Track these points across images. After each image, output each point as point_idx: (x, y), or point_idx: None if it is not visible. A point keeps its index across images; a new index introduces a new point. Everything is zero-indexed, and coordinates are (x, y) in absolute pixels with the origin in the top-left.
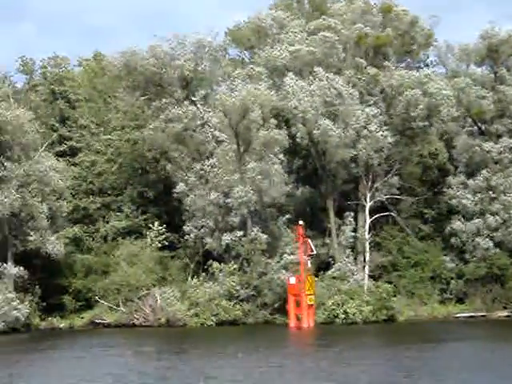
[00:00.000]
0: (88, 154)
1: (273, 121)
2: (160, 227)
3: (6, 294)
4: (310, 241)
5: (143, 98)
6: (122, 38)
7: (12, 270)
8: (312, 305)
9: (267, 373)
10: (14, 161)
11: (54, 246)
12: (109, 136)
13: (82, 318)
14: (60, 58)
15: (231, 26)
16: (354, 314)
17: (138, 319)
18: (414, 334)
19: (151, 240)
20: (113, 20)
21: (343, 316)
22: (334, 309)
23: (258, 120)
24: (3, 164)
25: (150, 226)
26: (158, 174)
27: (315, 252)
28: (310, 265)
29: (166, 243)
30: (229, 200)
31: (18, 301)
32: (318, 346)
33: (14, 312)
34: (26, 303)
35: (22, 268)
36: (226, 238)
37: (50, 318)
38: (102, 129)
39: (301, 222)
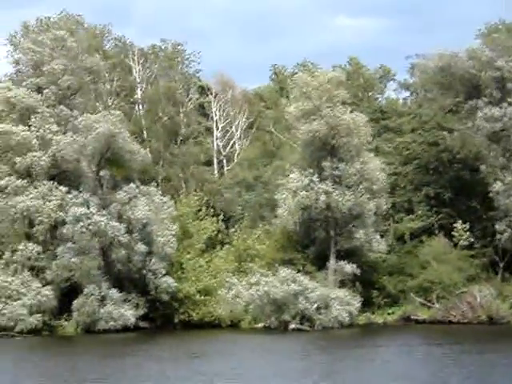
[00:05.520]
0: (378, 155)
1: None
2: (464, 225)
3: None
4: None
5: (457, 99)
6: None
7: (346, 268)
8: None
9: None
10: (346, 161)
11: (379, 243)
12: (402, 139)
13: (391, 313)
14: (310, 63)
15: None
16: None
17: (454, 316)
18: None
19: (456, 239)
20: (211, 22)
21: None
22: None
23: None
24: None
25: (454, 225)
26: (449, 175)
27: None
28: None
29: (472, 240)
30: None
31: (350, 296)
32: None
33: (348, 307)
34: (358, 299)
35: (354, 265)
36: None
37: (364, 314)
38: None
39: None
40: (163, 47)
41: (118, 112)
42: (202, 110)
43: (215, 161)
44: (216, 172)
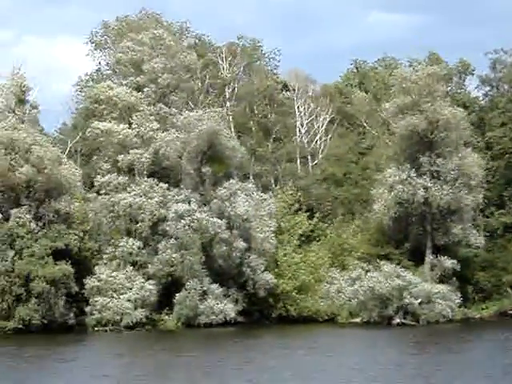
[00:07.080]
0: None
1: None
2: None
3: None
4: None
5: None
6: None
7: (446, 263)
8: None
9: None
10: (444, 156)
11: (476, 238)
12: (493, 133)
13: (485, 308)
14: (390, 59)
15: None
16: None
17: None
18: None
19: None
20: (250, 19)
21: None
22: None
23: None
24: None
25: None
26: None
27: None
28: None
29: None
30: None
31: (451, 291)
32: None
33: (448, 302)
34: (458, 294)
35: (455, 261)
36: None
37: (460, 308)
38: None
39: None
40: (241, 44)
41: (219, 109)
42: (283, 107)
43: (298, 157)
44: (299, 168)
